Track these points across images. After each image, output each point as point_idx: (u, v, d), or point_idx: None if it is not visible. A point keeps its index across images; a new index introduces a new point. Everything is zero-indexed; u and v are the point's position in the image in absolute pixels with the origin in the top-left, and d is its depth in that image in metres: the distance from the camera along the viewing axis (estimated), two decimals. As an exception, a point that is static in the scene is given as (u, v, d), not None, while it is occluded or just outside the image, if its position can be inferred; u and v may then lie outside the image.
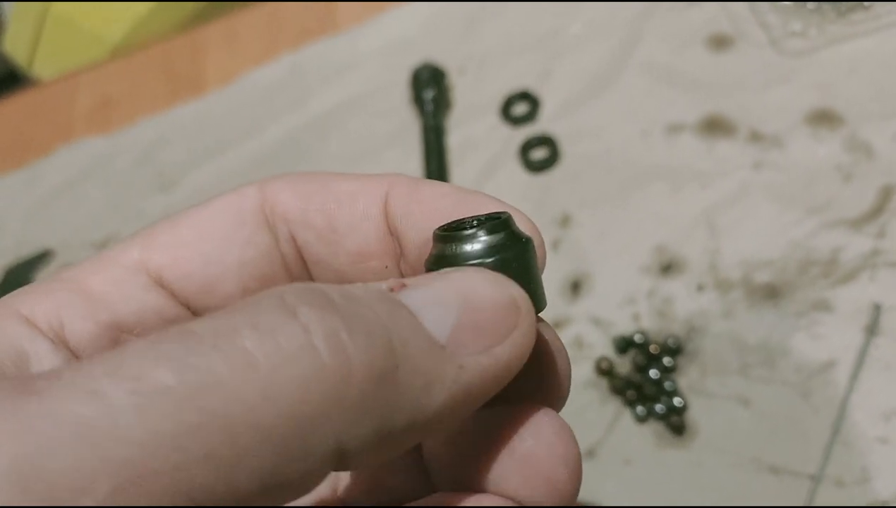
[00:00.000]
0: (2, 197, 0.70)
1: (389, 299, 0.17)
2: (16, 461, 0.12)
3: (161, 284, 0.23)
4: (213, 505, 0.14)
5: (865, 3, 0.53)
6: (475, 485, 0.19)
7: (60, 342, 0.21)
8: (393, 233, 0.23)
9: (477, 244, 0.20)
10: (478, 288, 0.18)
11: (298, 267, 0.25)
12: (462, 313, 0.17)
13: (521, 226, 0.21)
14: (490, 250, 0.20)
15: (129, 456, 0.13)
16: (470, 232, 0.20)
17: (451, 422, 0.17)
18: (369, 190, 0.23)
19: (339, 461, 0.15)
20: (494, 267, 0.19)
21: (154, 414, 0.13)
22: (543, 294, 0.21)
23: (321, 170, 0.24)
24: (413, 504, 0.21)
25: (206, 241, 0.23)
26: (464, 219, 0.21)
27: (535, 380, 0.20)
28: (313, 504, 0.25)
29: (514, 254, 0.20)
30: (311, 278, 0.25)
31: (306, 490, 0.15)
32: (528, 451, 0.19)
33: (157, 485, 0.13)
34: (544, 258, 0.22)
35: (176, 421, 0.13)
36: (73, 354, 0.21)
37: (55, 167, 0.69)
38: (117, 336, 0.22)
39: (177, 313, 0.23)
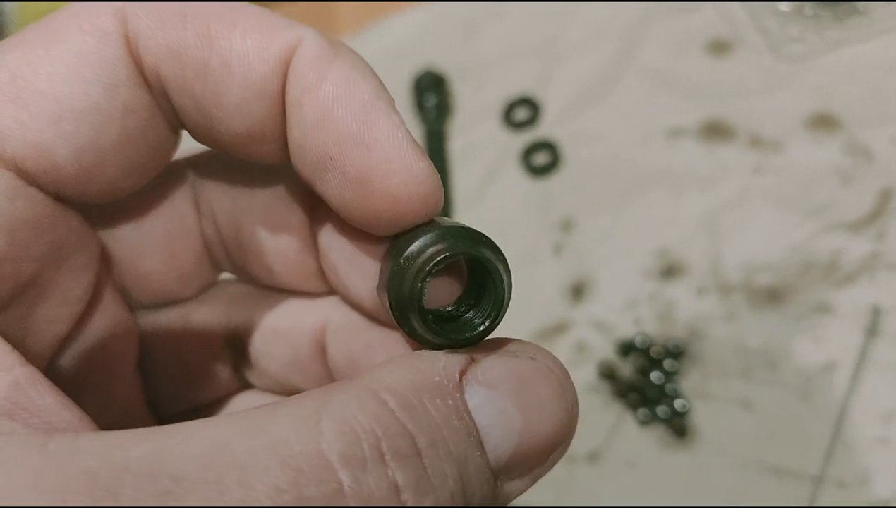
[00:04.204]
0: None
1: (466, 431, 0.17)
2: None
3: (26, 179, 0.18)
4: None
5: (861, 8, 0.54)
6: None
7: None
8: (286, 107, 0.19)
9: (480, 323, 0.19)
10: (543, 402, 0.18)
11: (180, 124, 0.20)
12: (522, 439, 0.18)
13: (426, 185, 0.19)
14: (496, 315, 0.19)
15: None
16: (468, 317, 0.19)
17: None
18: (268, 56, 0.18)
19: None
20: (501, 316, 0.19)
21: None
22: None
23: (204, 4, 0.18)
24: None
25: (74, 120, 0.17)
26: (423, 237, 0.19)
27: None
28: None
29: (509, 294, 0.19)
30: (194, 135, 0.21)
31: None
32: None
33: None
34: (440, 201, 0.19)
35: None
36: None
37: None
38: None
39: (50, 220, 0.19)
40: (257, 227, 0.23)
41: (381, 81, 0.19)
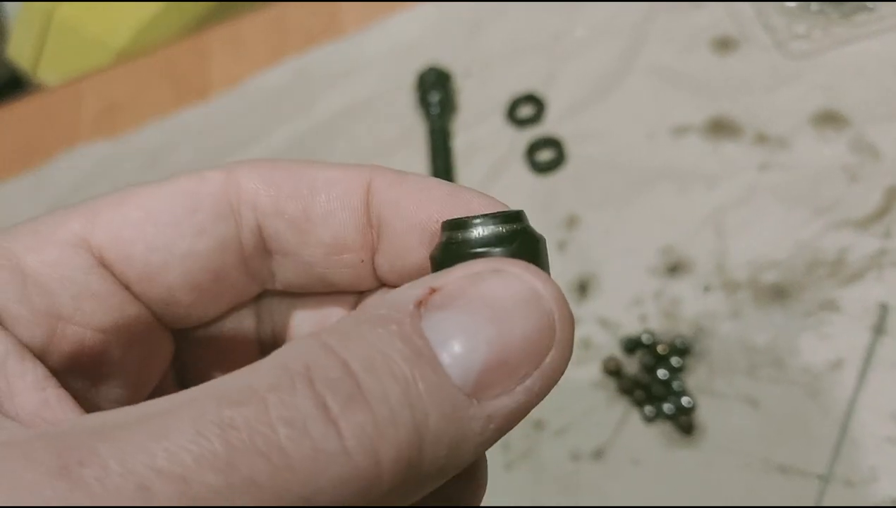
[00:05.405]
0: (8, 201, 0.71)
1: (413, 351, 0.16)
2: None
3: (103, 264, 0.22)
4: None
5: (869, 5, 0.53)
6: None
7: None
8: (374, 223, 0.22)
9: (491, 230, 0.18)
10: (510, 307, 0.17)
11: (258, 262, 0.23)
12: (491, 347, 0.16)
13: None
14: (506, 238, 0.18)
15: None
16: (483, 217, 0.19)
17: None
18: (348, 178, 0.22)
19: None
20: (510, 256, 0.18)
21: None
22: None
23: (296, 158, 0.23)
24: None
25: (153, 225, 0.22)
26: (472, 216, 0.20)
27: None
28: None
29: (531, 245, 0.19)
30: (270, 275, 0.24)
31: None
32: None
33: None
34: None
35: None
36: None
37: (61, 171, 0.70)
38: (53, 324, 0.21)
39: (119, 300, 0.22)
40: (304, 327, 0.26)
41: None
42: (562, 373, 0.17)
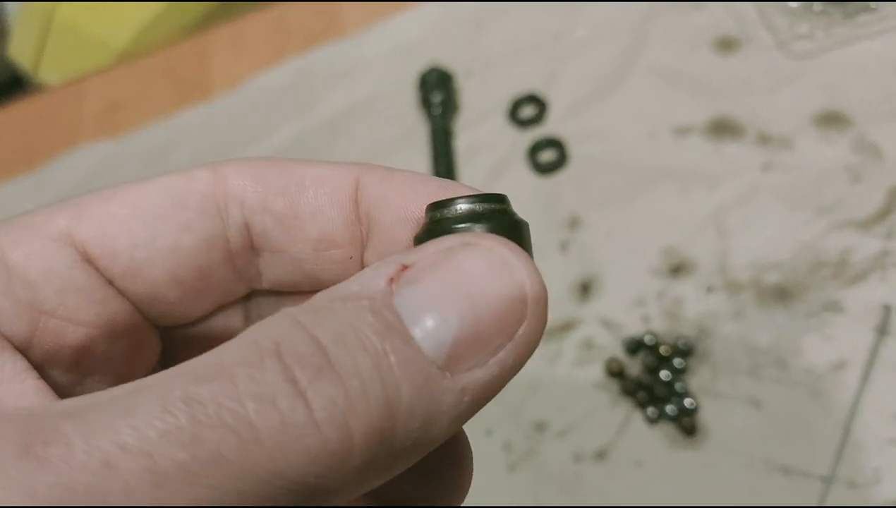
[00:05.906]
0: (10, 200, 0.71)
1: (384, 325, 0.16)
2: None
3: (87, 259, 0.22)
4: None
5: (871, 5, 0.53)
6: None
7: None
8: (363, 219, 0.22)
9: (470, 208, 0.18)
10: (481, 280, 0.17)
11: (245, 260, 0.23)
12: (463, 320, 0.16)
13: None
14: (483, 216, 0.18)
15: None
16: (465, 197, 0.19)
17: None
18: (337, 175, 0.22)
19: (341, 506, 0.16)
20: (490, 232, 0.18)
21: (169, 491, 0.14)
22: None
23: (284, 157, 0.23)
24: None
25: (138, 220, 0.22)
26: (455, 197, 0.20)
27: None
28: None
29: (509, 224, 0.19)
30: (258, 274, 0.24)
31: None
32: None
33: None
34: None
35: (190, 498, 0.14)
36: None
37: (63, 171, 0.70)
38: (36, 317, 0.21)
39: (102, 295, 0.22)
40: None
41: None
42: (535, 345, 0.17)
